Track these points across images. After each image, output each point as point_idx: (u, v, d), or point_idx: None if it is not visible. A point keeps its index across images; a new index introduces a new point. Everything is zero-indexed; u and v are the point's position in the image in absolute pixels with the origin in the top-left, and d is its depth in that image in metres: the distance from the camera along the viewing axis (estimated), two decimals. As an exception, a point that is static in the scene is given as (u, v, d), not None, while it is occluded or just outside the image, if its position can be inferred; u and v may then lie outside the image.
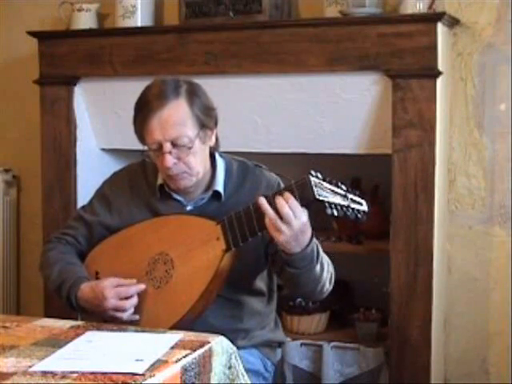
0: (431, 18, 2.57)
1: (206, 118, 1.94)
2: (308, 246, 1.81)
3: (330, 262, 1.95)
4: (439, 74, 2.55)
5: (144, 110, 1.92)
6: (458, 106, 2.78)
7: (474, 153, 2.79)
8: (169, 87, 1.92)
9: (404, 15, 2.64)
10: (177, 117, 1.89)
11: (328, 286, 1.95)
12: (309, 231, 1.80)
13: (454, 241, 2.82)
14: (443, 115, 2.68)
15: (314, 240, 1.84)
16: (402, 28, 2.56)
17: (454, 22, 2.71)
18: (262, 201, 1.77)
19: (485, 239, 2.79)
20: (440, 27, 2.56)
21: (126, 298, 1.87)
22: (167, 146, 1.89)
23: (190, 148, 1.90)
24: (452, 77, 2.77)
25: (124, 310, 1.86)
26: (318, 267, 1.86)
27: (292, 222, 1.75)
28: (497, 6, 2.72)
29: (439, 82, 2.57)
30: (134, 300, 1.88)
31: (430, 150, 2.57)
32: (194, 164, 1.93)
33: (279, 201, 1.75)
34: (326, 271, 1.91)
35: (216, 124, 2.00)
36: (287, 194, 1.76)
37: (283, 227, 1.75)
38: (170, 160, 1.90)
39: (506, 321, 2.76)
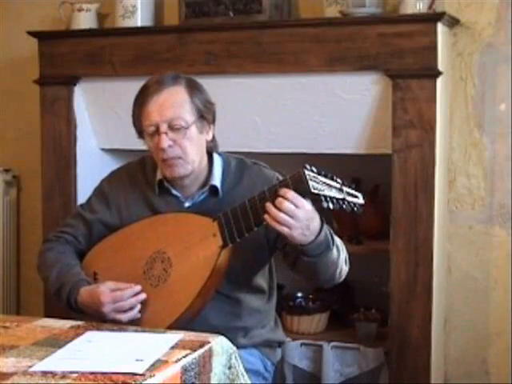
0: (431, 18, 2.57)
1: (205, 109, 1.97)
2: (321, 231, 1.80)
3: (342, 243, 1.94)
4: (439, 74, 2.55)
5: (143, 95, 1.95)
6: (458, 106, 2.78)
7: (474, 153, 2.79)
8: (168, 76, 1.97)
9: (404, 15, 2.64)
10: (174, 99, 1.93)
11: (345, 268, 1.95)
12: (317, 217, 1.79)
13: (454, 241, 2.82)
14: (443, 115, 2.68)
15: (325, 225, 1.83)
16: (402, 28, 2.56)
17: (454, 22, 2.71)
18: (266, 217, 1.76)
19: (485, 239, 2.79)
20: (440, 27, 2.56)
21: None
22: (163, 127, 1.91)
23: (186, 129, 1.91)
24: (452, 77, 2.77)
25: (123, 312, 1.86)
26: (334, 250, 1.86)
27: (296, 214, 1.74)
28: (497, 6, 2.72)
29: (439, 82, 2.57)
30: (132, 300, 1.88)
31: (430, 150, 2.57)
32: (189, 149, 1.93)
33: (278, 199, 1.75)
34: (342, 252, 1.91)
35: (214, 119, 2.01)
36: (283, 190, 1.75)
37: (290, 221, 1.74)
38: (165, 140, 1.91)
39: (506, 321, 2.76)
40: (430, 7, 2.67)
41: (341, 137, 2.73)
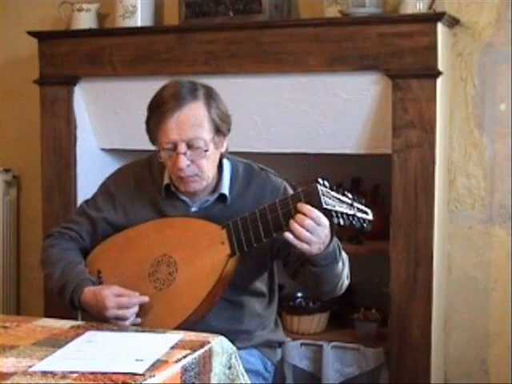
0: (431, 18, 2.57)
1: (222, 123, 1.94)
2: (330, 243, 1.80)
3: (347, 257, 1.95)
4: (439, 74, 2.55)
5: (161, 110, 1.90)
6: (458, 106, 2.78)
7: (474, 153, 2.79)
8: (185, 89, 1.91)
9: (404, 15, 2.65)
10: (195, 118, 1.88)
11: (346, 282, 1.95)
12: (329, 230, 1.80)
13: (454, 241, 2.82)
14: (443, 115, 2.68)
15: (335, 238, 1.83)
16: (402, 28, 2.56)
17: (453, 22, 2.71)
18: (288, 236, 1.76)
19: (485, 239, 2.79)
20: (440, 27, 2.56)
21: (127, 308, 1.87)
22: (182, 147, 1.88)
23: (206, 151, 1.89)
24: (452, 77, 2.77)
25: (125, 319, 1.86)
26: (340, 263, 1.86)
27: (317, 231, 1.75)
28: (497, 6, 2.72)
29: (439, 82, 2.57)
30: (135, 309, 1.87)
31: (430, 150, 2.57)
32: (206, 168, 1.92)
33: (299, 216, 1.74)
34: (346, 267, 1.92)
35: (229, 131, 1.99)
36: (307, 208, 1.74)
37: (312, 238, 1.75)
38: (183, 161, 1.88)
39: (506, 321, 2.76)
40: (430, 7, 2.67)
41: (341, 137, 2.73)
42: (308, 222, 1.74)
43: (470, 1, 2.74)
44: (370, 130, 2.68)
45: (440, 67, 2.56)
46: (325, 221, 1.76)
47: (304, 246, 1.76)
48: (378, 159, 2.72)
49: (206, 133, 1.89)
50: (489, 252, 2.79)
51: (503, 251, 2.77)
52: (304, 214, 1.74)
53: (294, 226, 1.75)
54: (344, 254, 1.92)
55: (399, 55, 2.57)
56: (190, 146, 1.88)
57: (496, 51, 2.73)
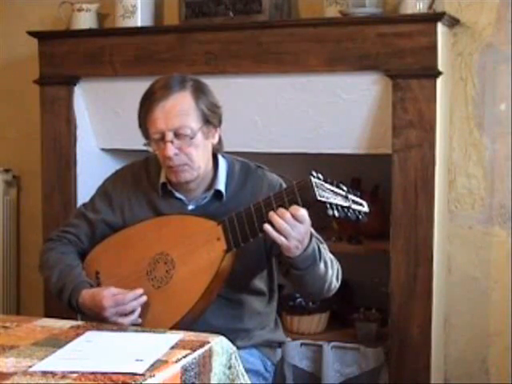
0: (431, 18, 2.57)
1: (211, 113, 1.95)
2: (308, 246, 1.81)
3: (334, 259, 1.95)
4: (439, 74, 2.55)
5: (149, 100, 1.93)
6: (458, 105, 2.78)
7: (474, 153, 2.79)
8: (174, 80, 1.95)
9: (404, 15, 2.65)
10: (180, 107, 1.91)
11: (336, 283, 1.95)
12: (309, 231, 1.81)
13: (454, 241, 2.82)
14: (443, 115, 2.68)
15: (314, 239, 1.84)
16: (402, 28, 2.57)
17: (454, 22, 2.71)
18: (268, 227, 1.77)
19: (485, 239, 2.79)
20: (440, 27, 2.56)
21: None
22: (169, 135, 1.90)
23: (191, 138, 1.91)
24: (452, 77, 2.77)
25: (124, 316, 1.86)
26: (321, 266, 1.86)
27: (298, 226, 1.76)
28: (497, 6, 2.72)
29: (439, 82, 2.57)
30: (133, 304, 1.87)
31: (430, 150, 2.57)
32: (195, 157, 1.93)
33: (281, 210, 1.76)
34: (331, 268, 1.91)
35: (220, 122, 2.01)
36: (293, 207, 1.76)
37: (291, 233, 1.76)
38: (171, 149, 1.90)
39: (506, 321, 2.76)
40: (429, 7, 2.67)
41: (341, 137, 2.73)
42: (289, 216, 1.75)
43: (470, 1, 2.74)
44: (370, 130, 2.68)
45: (440, 67, 2.56)
46: (308, 219, 1.77)
47: (282, 240, 1.77)
48: (378, 159, 2.72)
49: (192, 121, 1.91)
50: (489, 252, 2.79)
51: (503, 251, 2.77)
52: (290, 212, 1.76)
53: (274, 217, 1.76)
54: (328, 256, 1.92)
55: (399, 55, 2.57)
56: (177, 135, 1.91)
57: (496, 51, 2.73)
